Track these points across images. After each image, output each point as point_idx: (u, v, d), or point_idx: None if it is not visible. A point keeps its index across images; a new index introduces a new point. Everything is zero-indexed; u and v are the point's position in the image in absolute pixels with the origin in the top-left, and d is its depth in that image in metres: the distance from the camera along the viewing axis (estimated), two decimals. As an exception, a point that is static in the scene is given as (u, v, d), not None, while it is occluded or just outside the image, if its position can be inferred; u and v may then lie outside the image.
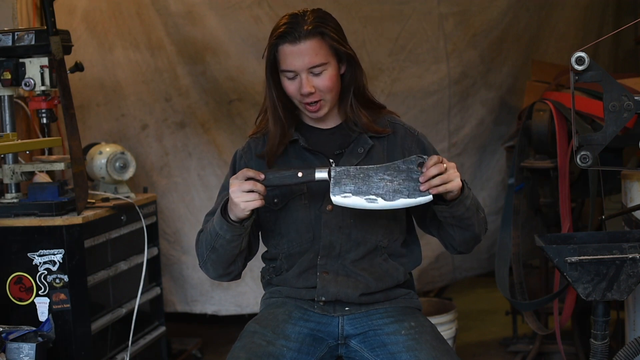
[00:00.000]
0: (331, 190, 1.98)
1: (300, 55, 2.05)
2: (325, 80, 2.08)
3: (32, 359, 2.66)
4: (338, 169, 1.98)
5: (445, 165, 1.94)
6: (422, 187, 1.95)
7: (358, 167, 1.99)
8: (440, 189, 1.94)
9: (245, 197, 1.94)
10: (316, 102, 2.10)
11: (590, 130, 2.98)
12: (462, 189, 1.99)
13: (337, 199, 1.98)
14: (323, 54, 2.07)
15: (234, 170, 2.21)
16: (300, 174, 1.98)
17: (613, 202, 3.43)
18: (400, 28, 4.14)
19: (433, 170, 1.93)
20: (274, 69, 2.12)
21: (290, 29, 2.05)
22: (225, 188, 2.17)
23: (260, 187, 1.95)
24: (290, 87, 2.10)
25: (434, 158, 1.95)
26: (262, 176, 1.96)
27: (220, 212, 2.02)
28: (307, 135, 2.19)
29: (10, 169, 3.06)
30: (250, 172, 1.96)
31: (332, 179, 1.98)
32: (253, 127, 2.26)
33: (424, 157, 1.98)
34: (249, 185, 1.94)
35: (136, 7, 3.91)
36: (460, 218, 2.05)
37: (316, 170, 1.99)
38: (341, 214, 2.12)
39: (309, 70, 2.07)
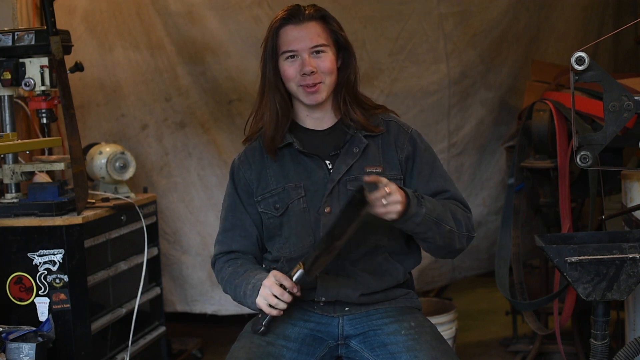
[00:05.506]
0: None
1: (303, 35, 2.13)
2: (326, 62, 2.13)
3: (32, 359, 2.66)
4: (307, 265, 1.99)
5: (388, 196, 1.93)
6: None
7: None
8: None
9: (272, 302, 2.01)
10: (315, 84, 2.12)
11: (590, 130, 2.98)
12: (406, 210, 1.97)
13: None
14: (324, 37, 2.14)
15: (233, 180, 2.23)
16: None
17: (613, 202, 3.43)
18: (400, 28, 4.14)
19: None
20: (272, 56, 2.16)
21: (293, 12, 2.15)
22: (227, 199, 2.23)
23: (287, 297, 1.99)
24: (290, 69, 2.14)
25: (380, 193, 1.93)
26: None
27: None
28: (302, 137, 2.19)
29: (10, 169, 3.05)
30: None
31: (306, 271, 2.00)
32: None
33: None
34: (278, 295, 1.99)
35: (136, 7, 3.91)
36: (413, 232, 2.07)
37: (292, 275, 2.01)
38: (340, 215, 2.12)
39: (311, 50, 2.12)
